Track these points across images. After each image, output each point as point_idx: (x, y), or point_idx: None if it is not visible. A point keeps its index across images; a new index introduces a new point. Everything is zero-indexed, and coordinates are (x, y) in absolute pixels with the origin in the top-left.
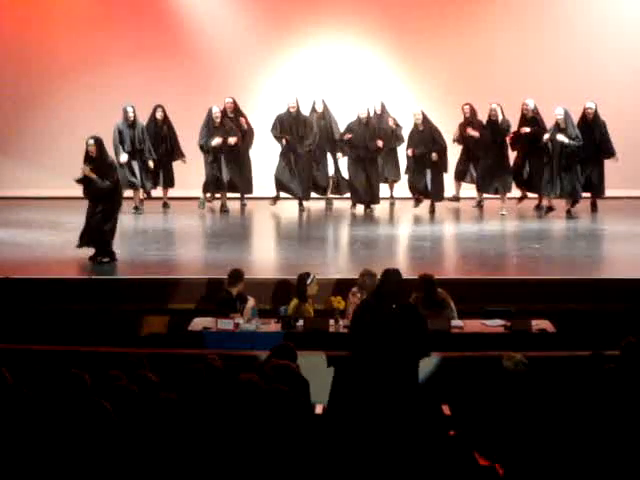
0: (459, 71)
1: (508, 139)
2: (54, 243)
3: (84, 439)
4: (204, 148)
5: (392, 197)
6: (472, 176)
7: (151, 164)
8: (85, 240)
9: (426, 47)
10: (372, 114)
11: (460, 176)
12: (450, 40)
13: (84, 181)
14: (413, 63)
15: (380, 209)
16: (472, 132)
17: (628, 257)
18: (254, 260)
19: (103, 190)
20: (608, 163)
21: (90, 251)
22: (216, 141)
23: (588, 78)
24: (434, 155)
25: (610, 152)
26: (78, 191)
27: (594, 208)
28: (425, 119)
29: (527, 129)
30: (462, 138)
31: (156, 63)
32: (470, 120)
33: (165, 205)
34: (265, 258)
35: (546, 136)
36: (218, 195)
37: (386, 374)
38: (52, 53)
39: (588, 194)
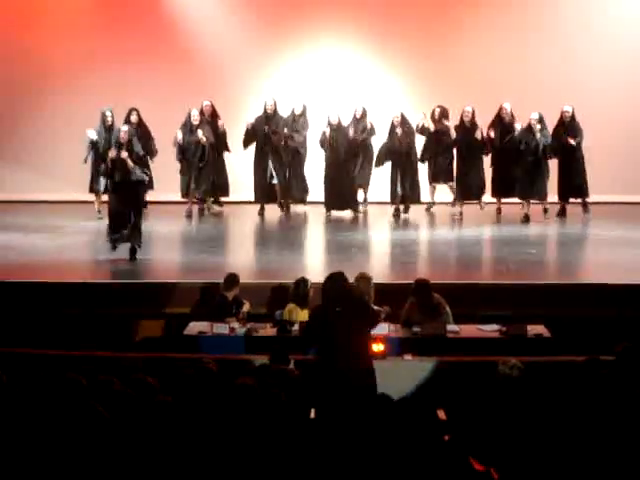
0: (446, 74)
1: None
2: (49, 247)
3: (79, 442)
4: (177, 145)
5: (365, 200)
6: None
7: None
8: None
9: (414, 50)
10: (351, 118)
11: (434, 179)
12: (436, 45)
13: (113, 168)
14: (401, 66)
15: (374, 214)
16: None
17: (623, 262)
18: (248, 265)
19: (137, 179)
20: (602, 168)
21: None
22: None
23: (573, 83)
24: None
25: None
26: (74, 195)
27: (585, 210)
28: (404, 122)
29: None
30: (424, 131)
31: (152, 66)
32: (438, 122)
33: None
34: (258, 262)
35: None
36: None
37: (341, 374)
38: (47, 56)
39: (578, 199)
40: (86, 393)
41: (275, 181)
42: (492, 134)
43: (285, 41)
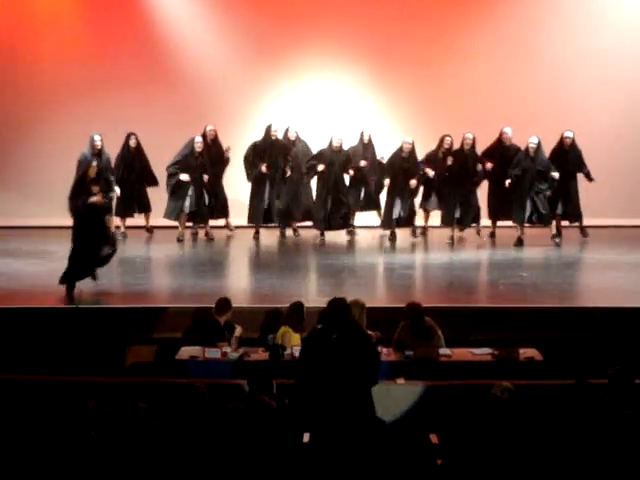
0: (442, 102)
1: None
2: (39, 272)
3: (69, 466)
4: (171, 173)
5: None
6: (435, 203)
7: (114, 194)
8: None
9: (407, 78)
10: (359, 143)
11: (425, 205)
12: (430, 72)
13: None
14: (395, 93)
15: (369, 237)
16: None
17: (615, 285)
18: (240, 289)
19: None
20: (596, 191)
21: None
22: (184, 177)
23: (569, 109)
24: (412, 182)
25: (585, 173)
26: (64, 220)
27: (584, 233)
28: (413, 150)
29: (489, 165)
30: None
31: (143, 92)
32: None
33: (149, 230)
34: (251, 287)
35: (489, 165)
36: (189, 224)
37: (335, 402)
38: (38, 82)
39: (568, 222)
40: (78, 418)
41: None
42: (488, 165)
43: (281, 69)
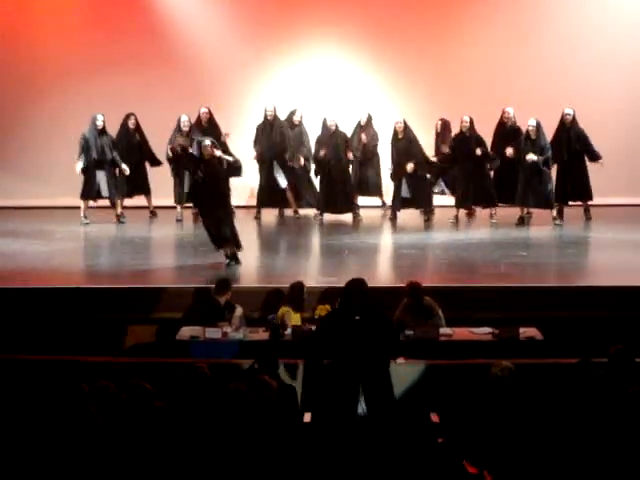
0: (441, 82)
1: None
2: (39, 253)
3: (73, 447)
4: (170, 152)
5: (384, 204)
6: (440, 188)
7: (125, 170)
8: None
9: (408, 58)
10: (356, 125)
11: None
12: (433, 51)
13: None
14: (397, 74)
15: (371, 217)
16: (444, 149)
17: (616, 264)
18: (241, 269)
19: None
20: (598, 171)
21: None
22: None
23: (571, 88)
24: (409, 166)
25: (595, 156)
26: (64, 200)
27: (587, 215)
28: (406, 129)
29: (510, 150)
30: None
31: (143, 72)
32: (441, 135)
33: (152, 213)
34: (251, 267)
35: (509, 150)
36: (189, 205)
37: (355, 382)
38: (38, 62)
39: (578, 202)
40: (82, 398)
41: (283, 185)
42: (510, 151)
43: (281, 48)
